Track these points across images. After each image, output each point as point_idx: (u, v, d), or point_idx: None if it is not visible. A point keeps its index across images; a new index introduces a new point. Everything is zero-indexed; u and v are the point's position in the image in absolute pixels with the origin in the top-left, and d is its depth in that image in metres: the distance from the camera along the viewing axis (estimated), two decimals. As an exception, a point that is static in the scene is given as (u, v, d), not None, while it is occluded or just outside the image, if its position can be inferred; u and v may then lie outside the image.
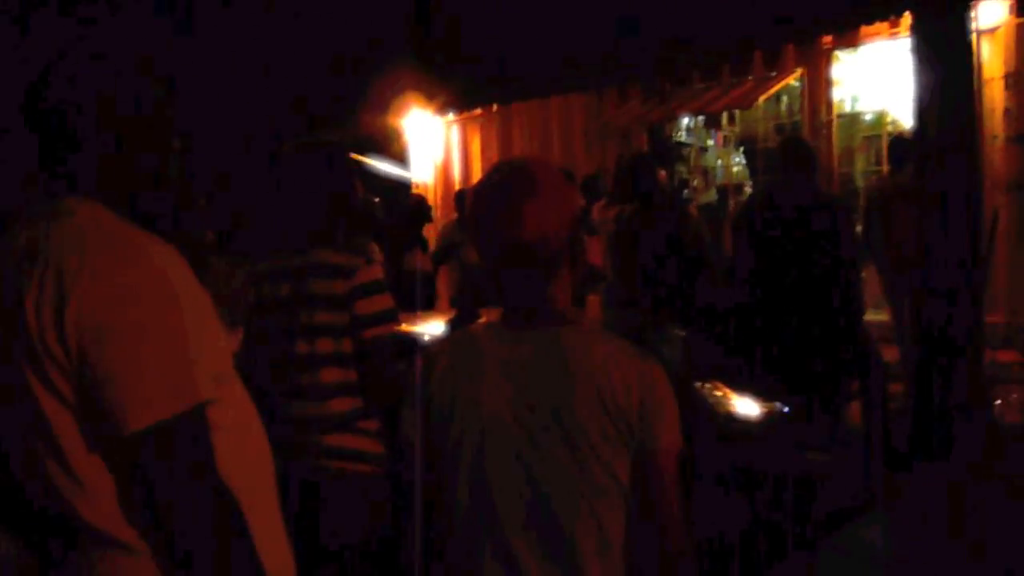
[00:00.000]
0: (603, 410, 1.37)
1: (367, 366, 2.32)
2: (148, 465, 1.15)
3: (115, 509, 1.19)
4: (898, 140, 6.37)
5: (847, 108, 8.02)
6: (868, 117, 8.18)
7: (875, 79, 7.76)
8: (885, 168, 6.77)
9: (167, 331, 1.17)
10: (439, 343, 1.61)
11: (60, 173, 1.28)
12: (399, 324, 2.40)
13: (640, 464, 1.39)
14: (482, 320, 2.48)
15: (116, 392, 1.13)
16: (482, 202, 1.51)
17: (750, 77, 7.99)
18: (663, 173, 4.99)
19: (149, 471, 1.15)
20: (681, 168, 9.11)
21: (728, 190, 8.60)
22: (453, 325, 2.60)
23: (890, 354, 5.12)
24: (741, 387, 3.58)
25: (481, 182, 1.54)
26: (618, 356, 1.42)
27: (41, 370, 1.15)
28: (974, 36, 4.45)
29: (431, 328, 4.46)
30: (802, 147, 4.69)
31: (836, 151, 7.75)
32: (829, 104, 7.71)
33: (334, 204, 2.47)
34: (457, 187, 10.02)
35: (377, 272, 2.37)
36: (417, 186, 10.43)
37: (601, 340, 1.46)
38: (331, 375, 2.32)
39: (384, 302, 2.33)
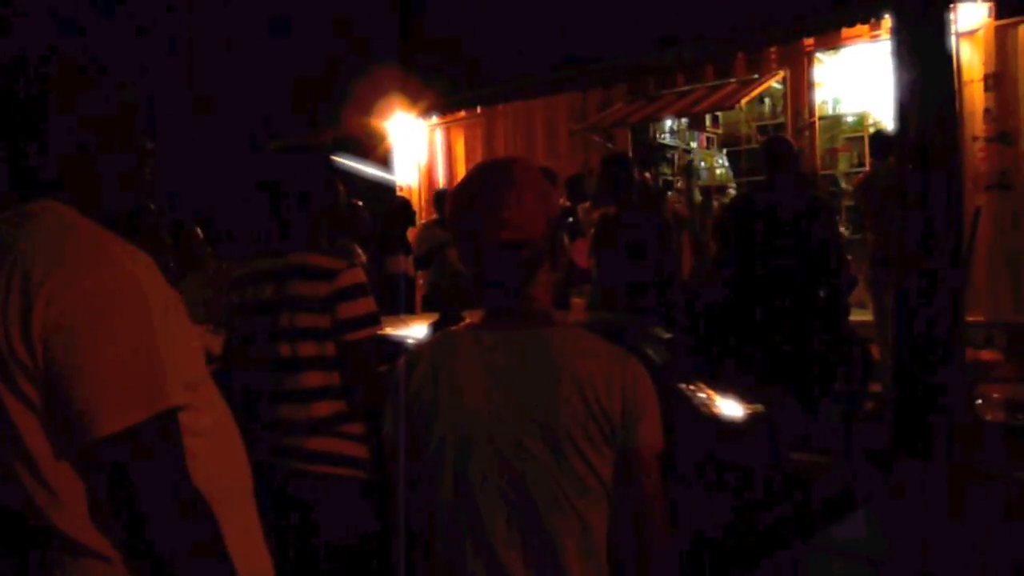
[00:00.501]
0: (586, 410, 1.37)
1: (349, 369, 2.31)
2: (117, 470, 1.13)
3: (87, 517, 1.18)
4: (878, 134, 6.46)
5: (829, 110, 8.07)
6: (850, 119, 8.24)
7: (856, 81, 7.82)
8: (867, 167, 6.82)
9: (136, 335, 1.15)
10: (420, 345, 1.60)
11: (28, 175, 1.26)
12: (381, 327, 2.39)
13: (622, 463, 1.39)
14: (465, 322, 2.48)
15: (83, 397, 1.11)
16: (462, 202, 1.51)
17: (733, 79, 8.02)
18: (646, 174, 5.00)
19: (118, 477, 1.13)
20: (665, 170, 9.13)
21: (711, 191, 8.63)
22: (436, 327, 2.58)
23: (872, 352, 5.15)
24: (724, 387, 3.60)
25: (461, 182, 1.54)
26: (601, 356, 1.42)
27: (8, 375, 1.14)
28: (954, 38, 4.48)
29: (415, 331, 4.44)
30: (784, 146, 4.72)
31: (819, 152, 7.79)
32: (811, 106, 7.76)
33: (316, 207, 2.46)
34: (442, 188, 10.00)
35: (359, 275, 2.36)
36: (401, 189, 10.41)
37: (584, 340, 1.46)
38: (314, 378, 2.31)
39: (366, 305, 2.32)
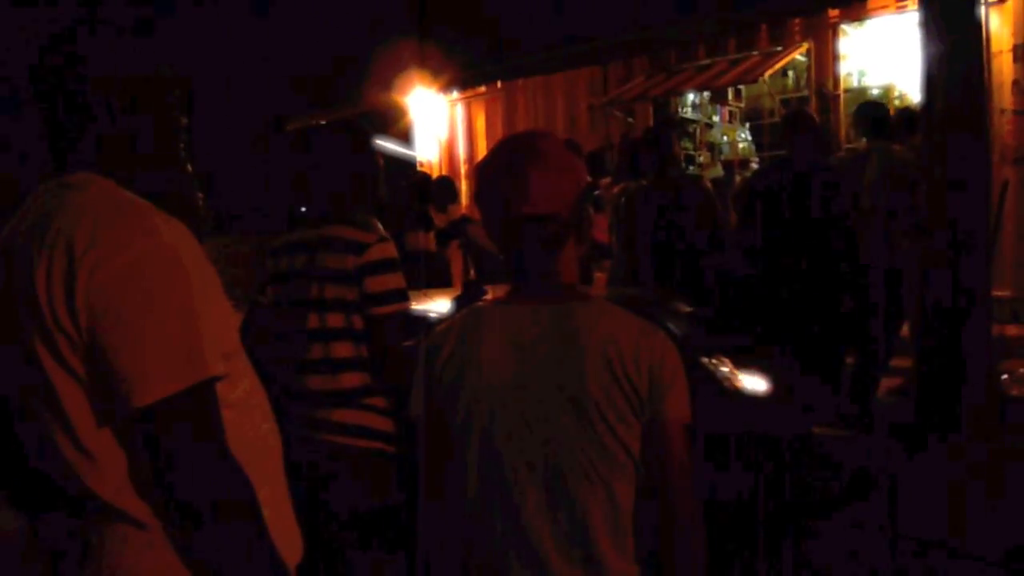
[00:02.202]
0: (614, 382, 1.38)
1: (375, 343, 2.33)
2: (158, 438, 1.15)
3: (125, 483, 1.20)
4: (904, 111, 6.33)
5: (854, 82, 7.96)
6: (875, 91, 8.12)
7: (882, 53, 7.70)
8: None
9: (177, 305, 1.17)
10: (446, 320, 1.60)
11: (67, 150, 1.28)
12: (408, 302, 2.40)
13: (650, 435, 1.39)
14: (488, 297, 2.48)
15: (126, 366, 1.13)
16: (488, 176, 1.50)
17: (756, 52, 7.93)
18: (675, 147, 4.96)
19: (159, 445, 1.15)
20: (687, 144, 9.06)
21: (734, 166, 8.55)
22: (459, 302, 2.59)
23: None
24: (746, 361, 3.59)
25: (486, 157, 1.54)
26: (628, 328, 1.43)
27: (52, 344, 1.15)
28: (982, 8, 4.39)
29: (438, 306, 4.45)
30: (806, 118, 4.67)
31: (843, 125, 7.70)
32: (836, 78, 7.65)
33: (359, 182, 2.48)
34: (462, 165, 10.00)
35: (389, 250, 2.36)
36: (422, 164, 10.41)
37: (610, 313, 1.46)
38: (342, 349, 2.33)
39: (394, 280, 2.33)
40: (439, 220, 7.08)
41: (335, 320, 2.32)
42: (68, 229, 1.17)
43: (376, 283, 2.31)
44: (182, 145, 1.37)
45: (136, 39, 1.31)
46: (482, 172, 1.52)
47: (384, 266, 2.32)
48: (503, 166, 1.48)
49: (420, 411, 1.54)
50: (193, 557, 1.20)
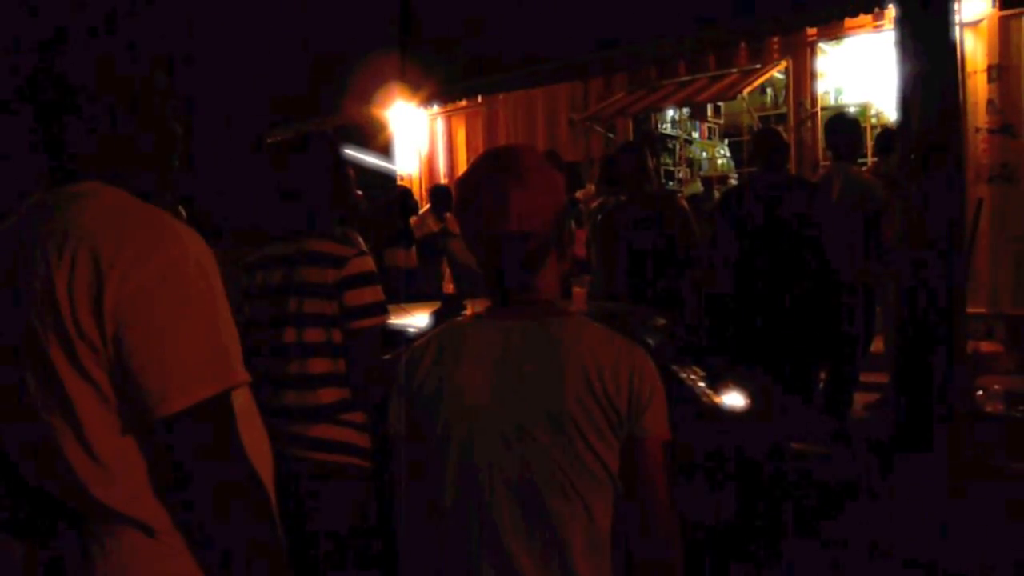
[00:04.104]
0: (592, 398, 1.37)
1: (354, 357, 2.31)
2: (181, 447, 1.14)
3: (139, 491, 1.18)
4: (885, 131, 6.40)
5: (831, 100, 8.05)
6: (852, 109, 8.22)
7: (859, 71, 7.80)
8: (871, 160, 6.80)
9: (203, 313, 1.17)
10: (425, 335, 1.59)
11: (69, 158, 1.27)
12: (387, 316, 2.39)
13: (629, 452, 1.39)
14: (468, 312, 2.47)
15: (152, 374, 1.12)
16: (468, 193, 1.50)
17: (735, 69, 8.00)
18: (652, 162, 4.99)
19: (182, 453, 1.15)
20: (667, 160, 9.12)
21: (713, 182, 8.61)
22: (437, 317, 2.57)
23: (875, 344, 5.15)
24: (721, 374, 3.59)
25: (467, 172, 1.53)
26: (608, 345, 1.42)
27: (71, 352, 1.13)
28: (957, 29, 4.45)
29: (416, 321, 4.44)
30: (774, 137, 4.73)
31: (820, 143, 7.78)
32: (813, 96, 7.74)
33: (332, 195, 2.47)
34: (443, 179, 10.00)
35: (368, 263, 2.35)
36: (402, 178, 10.40)
37: (590, 329, 1.45)
38: (319, 365, 2.31)
39: (373, 294, 2.32)
40: (435, 228, 7.11)
41: (313, 335, 2.30)
42: (91, 238, 1.15)
43: (355, 296, 2.29)
44: (176, 155, 1.37)
45: (135, 49, 1.30)
46: (462, 188, 1.51)
47: (363, 279, 2.31)
48: (483, 183, 1.47)
49: (398, 426, 1.52)
50: (208, 563, 1.19)
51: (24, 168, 1.34)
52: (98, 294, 1.12)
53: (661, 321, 3.94)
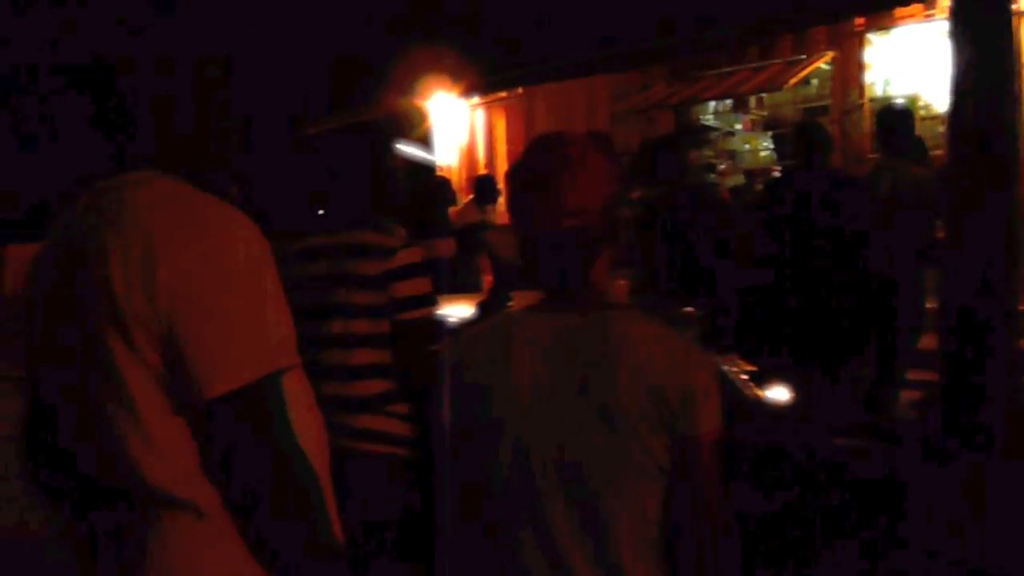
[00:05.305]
0: (645, 393, 1.35)
1: (401, 348, 2.31)
2: (229, 429, 1.15)
3: (189, 472, 1.19)
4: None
5: (879, 92, 7.89)
6: (900, 101, 8.05)
7: (908, 62, 7.63)
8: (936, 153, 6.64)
9: (256, 293, 1.18)
10: (475, 327, 1.58)
11: (122, 146, 1.29)
12: (435, 307, 2.39)
13: (681, 448, 1.36)
14: (512, 303, 2.47)
15: (201, 356, 1.13)
16: (517, 186, 1.48)
17: (778, 59, 7.88)
18: (694, 155, 4.94)
19: (228, 436, 1.15)
20: (708, 152, 9.02)
21: (755, 174, 8.50)
22: (483, 308, 2.57)
23: (925, 341, 5.05)
24: (762, 369, 3.55)
25: (517, 162, 1.51)
26: (661, 340, 1.40)
27: (126, 334, 1.15)
28: (1014, 18, 4.34)
29: (459, 311, 4.45)
30: (814, 131, 4.64)
31: (868, 136, 7.64)
32: (861, 87, 7.59)
33: (378, 186, 2.47)
34: (481, 170, 10.00)
35: (415, 255, 2.35)
36: (441, 169, 10.41)
37: (643, 324, 1.43)
38: (364, 356, 2.31)
39: (422, 285, 2.32)
40: (474, 219, 7.12)
41: (360, 326, 2.31)
42: (145, 220, 1.17)
43: (404, 288, 2.29)
44: (227, 145, 1.38)
45: (185, 40, 1.32)
46: (512, 180, 1.49)
47: (411, 271, 2.31)
48: (533, 174, 1.45)
49: (446, 418, 1.52)
50: (257, 549, 1.20)
51: (84, 158, 1.36)
52: (151, 277, 1.13)
53: (695, 313, 3.91)
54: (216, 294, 1.15)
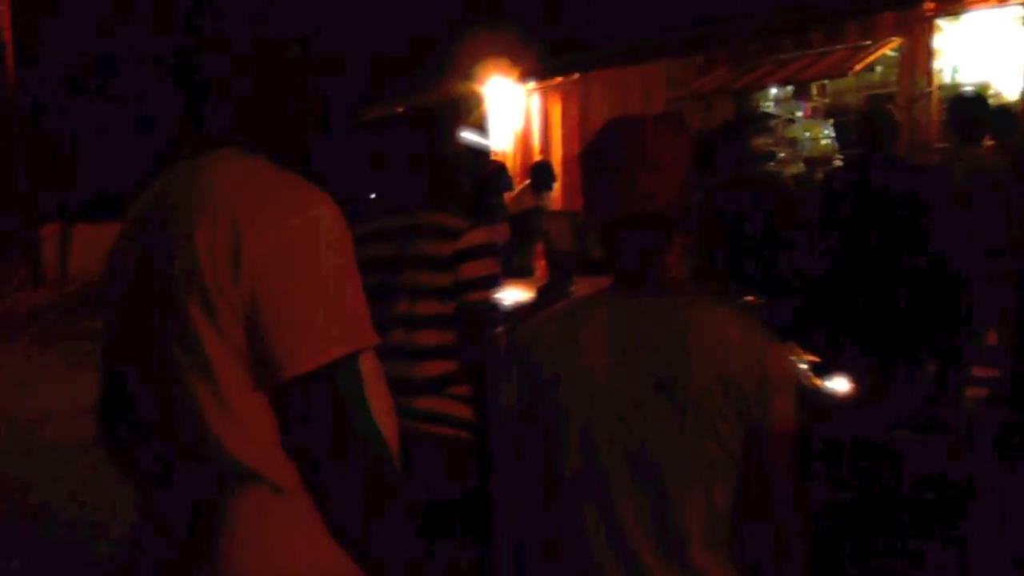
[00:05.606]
0: (719, 382, 1.33)
1: (465, 330, 2.32)
2: (308, 408, 1.16)
3: (268, 448, 1.20)
4: (1003, 111, 6.01)
5: (947, 79, 7.66)
6: (969, 89, 7.80)
7: (978, 49, 7.38)
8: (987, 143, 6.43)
9: (341, 272, 1.19)
10: (546, 311, 1.57)
11: (204, 125, 1.31)
12: (500, 289, 2.39)
13: (756, 439, 1.34)
14: (573, 288, 2.46)
15: (283, 333, 1.14)
16: (591, 170, 1.47)
17: (842, 45, 7.70)
18: (755, 142, 4.86)
19: (308, 414, 1.16)
20: (767, 139, 8.84)
21: (816, 163, 8.32)
22: (544, 293, 2.57)
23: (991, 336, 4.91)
24: (823, 360, 3.49)
25: (590, 145, 1.49)
26: (736, 328, 1.38)
27: (210, 310, 1.16)
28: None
29: (513, 296, 4.45)
30: (880, 117, 4.52)
31: (935, 124, 7.42)
32: (929, 75, 7.37)
33: (437, 170, 2.47)
34: (536, 156, 9.97)
35: (482, 236, 2.35)
36: (495, 154, 10.41)
37: (718, 310, 1.41)
38: (429, 337, 2.32)
39: (490, 266, 2.32)
40: (530, 205, 7.13)
41: (426, 307, 2.32)
42: (230, 201, 1.19)
43: (472, 269, 2.29)
44: (308, 124, 1.40)
45: (266, 17, 1.33)
46: (585, 164, 1.48)
47: (481, 252, 2.31)
48: (606, 158, 1.44)
49: (512, 402, 1.51)
50: (332, 525, 1.21)
51: (168, 136, 1.39)
52: (236, 254, 1.14)
53: (755, 303, 3.85)
54: (298, 274, 1.15)
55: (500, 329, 2.34)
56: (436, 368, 2.33)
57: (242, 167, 1.25)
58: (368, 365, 1.27)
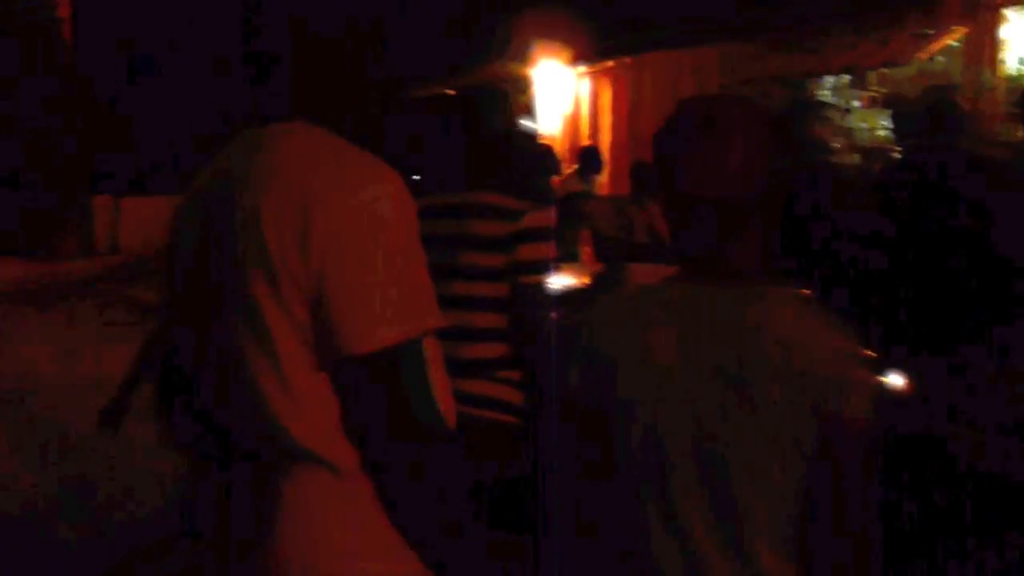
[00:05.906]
0: (790, 375, 1.28)
1: (520, 312, 2.29)
2: (372, 388, 1.14)
3: (328, 429, 1.19)
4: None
5: (1012, 71, 7.41)
6: (1041, 81, 7.55)
7: (1047, 40, 7.15)
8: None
9: (404, 254, 1.17)
10: (607, 298, 1.54)
11: (267, 98, 1.29)
12: (556, 273, 2.36)
13: (828, 436, 1.29)
14: (627, 275, 2.42)
15: (349, 312, 1.12)
16: (662, 149, 1.42)
17: (904, 33, 7.49)
18: (812, 131, 4.75)
19: (372, 395, 1.14)
20: (823, 128, 8.66)
21: (871, 153, 8.14)
22: (598, 280, 2.53)
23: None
24: (878, 355, 3.39)
25: (664, 125, 1.45)
26: (808, 319, 1.33)
27: (275, 286, 1.14)
28: None
29: (559, 280, 4.42)
30: (951, 107, 4.38)
31: (1001, 117, 7.19)
32: (994, 65, 7.15)
33: (483, 151, 2.44)
34: (585, 141, 9.89)
35: (543, 218, 2.31)
36: (543, 138, 10.33)
37: (790, 302, 1.36)
38: (484, 319, 2.30)
39: (547, 249, 2.29)
40: (577, 189, 7.10)
41: (483, 289, 2.29)
42: (300, 171, 1.16)
43: (530, 251, 2.26)
44: (373, 101, 1.37)
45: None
46: (657, 143, 1.43)
47: (539, 234, 2.28)
48: (678, 138, 1.39)
49: (572, 390, 1.48)
50: (391, 509, 1.19)
51: (223, 112, 1.39)
52: (305, 229, 1.11)
53: (810, 295, 3.77)
54: (367, 252, 1.13)
55: (553, 314, 2.31)
56: (489, 351, 2.31)
57: (312, 140, 1.23)
58: (432, 347, 1.24)
